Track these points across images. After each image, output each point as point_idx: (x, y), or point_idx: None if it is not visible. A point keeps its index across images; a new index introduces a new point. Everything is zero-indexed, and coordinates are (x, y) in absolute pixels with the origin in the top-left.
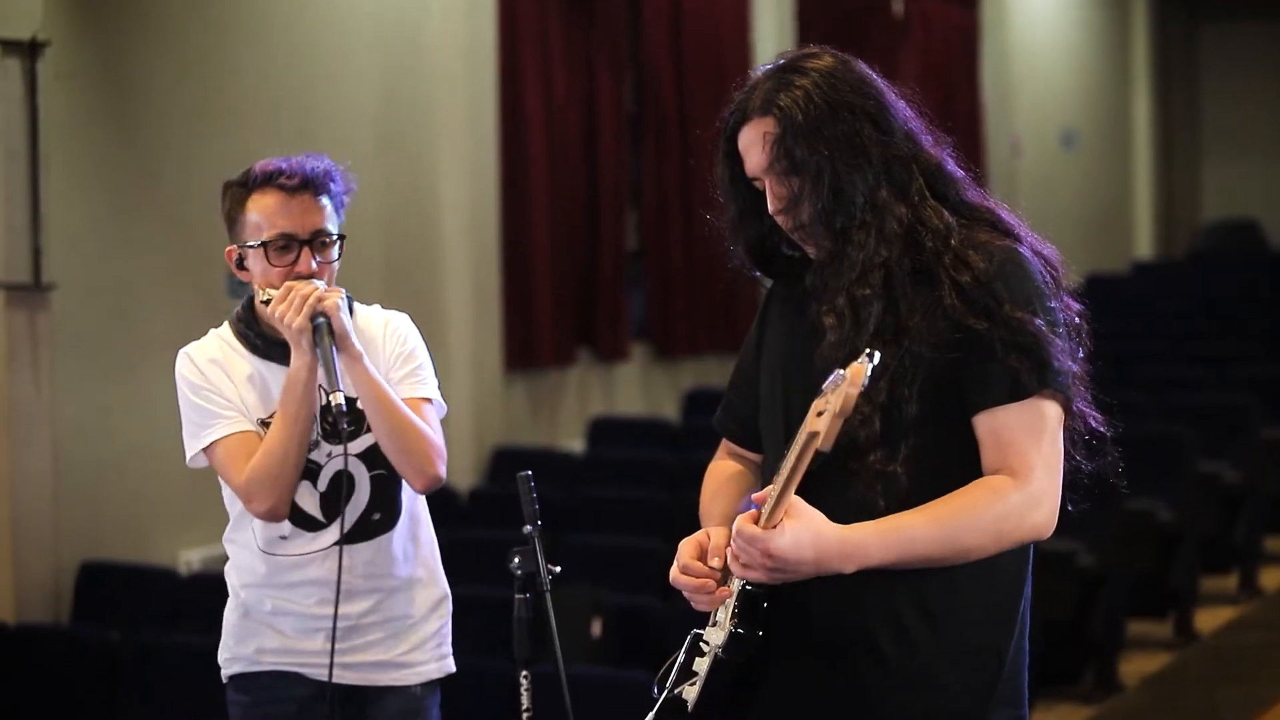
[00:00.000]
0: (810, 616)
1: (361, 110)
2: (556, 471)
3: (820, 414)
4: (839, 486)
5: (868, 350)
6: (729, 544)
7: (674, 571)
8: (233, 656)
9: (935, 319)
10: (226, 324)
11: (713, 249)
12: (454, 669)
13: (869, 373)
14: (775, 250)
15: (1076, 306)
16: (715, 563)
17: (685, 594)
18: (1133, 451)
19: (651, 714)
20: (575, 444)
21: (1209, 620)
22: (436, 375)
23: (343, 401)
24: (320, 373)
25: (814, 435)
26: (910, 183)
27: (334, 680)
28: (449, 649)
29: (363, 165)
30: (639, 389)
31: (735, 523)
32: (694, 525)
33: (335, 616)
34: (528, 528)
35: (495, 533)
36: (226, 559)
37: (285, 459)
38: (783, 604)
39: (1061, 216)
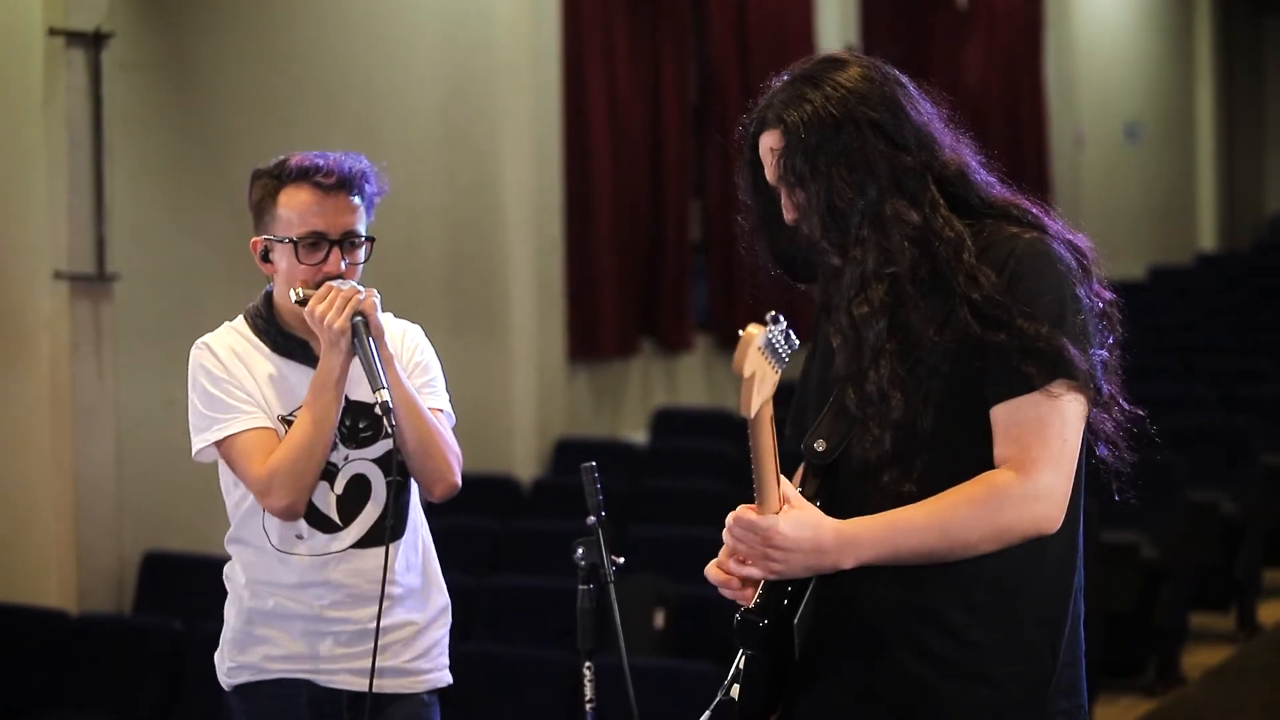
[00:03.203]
0: (857, 617)
1: (425, 101)
2: (620, 462)
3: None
4: (857, 507)
5: (772, 314)
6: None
7: (710, 565)
8: (238, 665)
9: (950, 333)
10: (241, 318)
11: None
12: (451, 680)
13: (767, 331)
14: (797, 256)
15: (1108, 295)
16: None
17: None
18: (1197, 443)
19: (708, 712)
20: (638, 435)
21: (1272, 613)
22: (448, 390)
23: (389, 399)
24: (353, 372)
25: (745, 380)
26: (923, 193)
27: (344, 687)
28: (448, 659)
29: (426, 156)
30: (702, 379)
31: (732, 515)
32: None
33: (379, 620)
34: (591, 519)
35: (558, 524)
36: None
37: (311, 456)
38: (826, 605)
39: (1125, 209)
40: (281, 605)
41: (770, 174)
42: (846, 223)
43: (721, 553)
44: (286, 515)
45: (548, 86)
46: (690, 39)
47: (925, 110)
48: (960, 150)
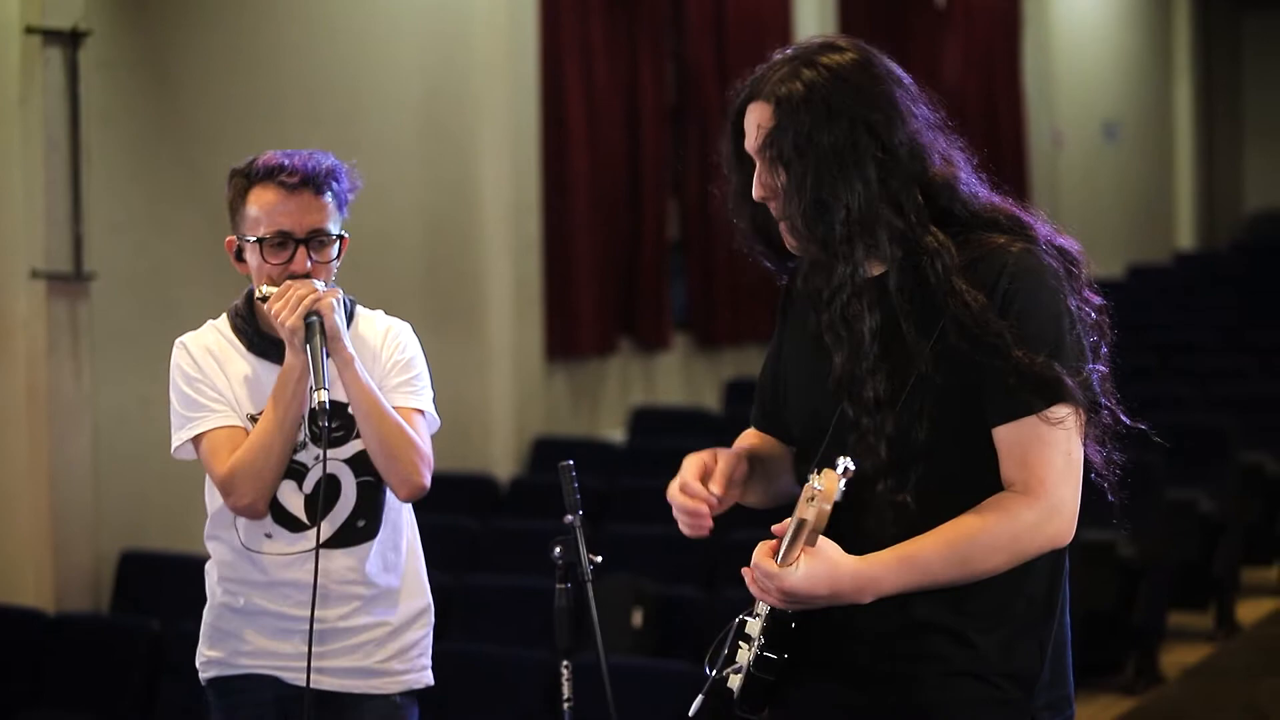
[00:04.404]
0: (851, 620)
1: (404, 100)
2: (597, 461)
3: (810, 500)
4: (852, 515)
5: (846, 461)
6: (731, 473)
7: (672, 487)
8: (208, 660)
9: (946, 351)
10: (224, 316)
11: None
12: (432, 681)
13: (842, 486)
14: (775, 229)
15: (1098, 301)
16: (715, 489)
17: (675, 512)
18: (1175, 442)
19: (701, 695)
20: (616, 433)
21: (1250, 611)
22: (434, 387)
23: (326, 400)
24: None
25: (803, 522)
26: (908, 202)
27: (312, 685)
28: (429, 660)
29: (405, 155)
30: (680, 378)
31: (754, 554)
32: (737, 518)
33: (311, 620)
34: (569, 517)
35: (536, 522)
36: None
37: (269, 455)
38: (821, 612)
39: (1104, 208)
40: (251, 603)
41: (751, 145)
42: (831, 217)
43: (689, 473)
44: (248, 514)
45: (525, 85)
46: (668, 37)
47: (921, 114)
48: (953, 159)
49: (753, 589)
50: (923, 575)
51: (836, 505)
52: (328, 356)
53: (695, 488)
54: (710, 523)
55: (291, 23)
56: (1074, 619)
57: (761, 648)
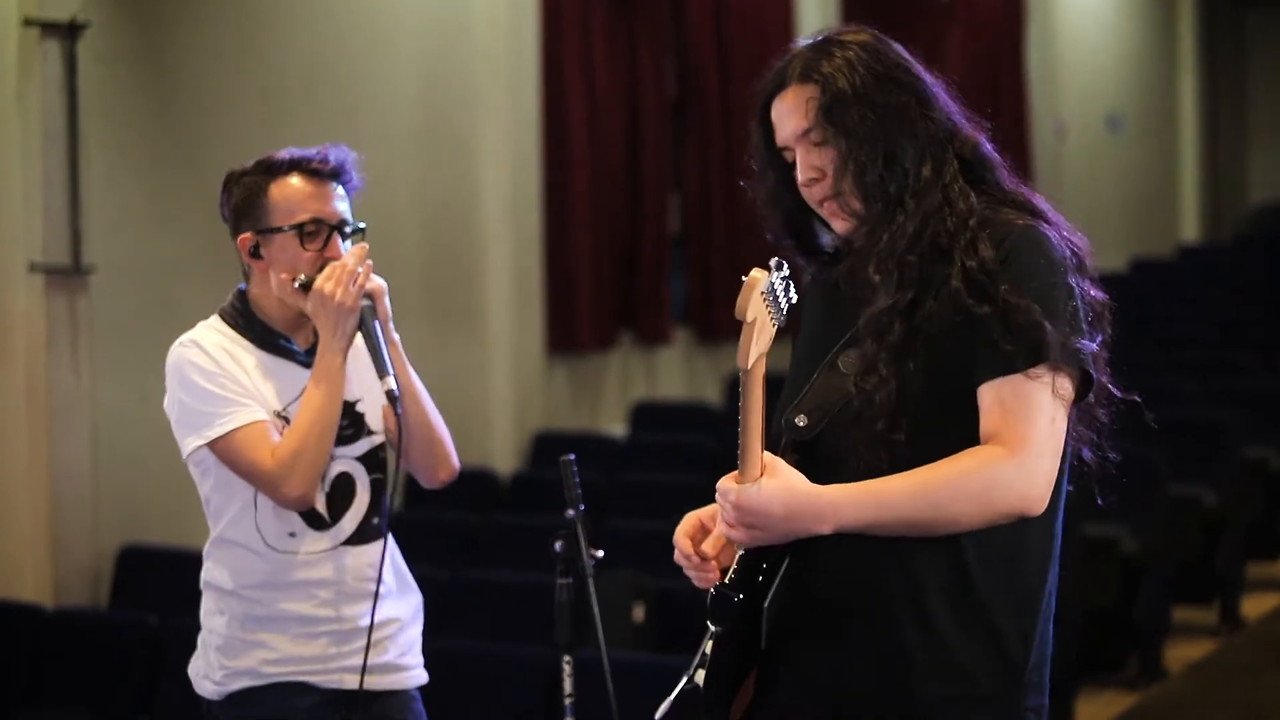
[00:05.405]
0: (828, 605)
1: (403, 94)
2: (598, 456)
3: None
4: (841, 457)
5: (775, 260)
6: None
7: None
8: (232, 672)
9: (944, 301)
10: (217, 317)
11: (756, 232)
12: (427, 678)
13: (771, 276)
14: (808, 225)
15: (1101, 297)
16: (707, 549)
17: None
18: (1178, 436)
19: (668, 700)
20: (617, 428)
21: (1254, 607)
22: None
23: (394, 387)
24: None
25: (747, 327)
26: (945, 163)
27: (340, 686)
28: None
29: (404, 149)
30: (681, 373)
31: (718, 484)
32: None
33: (373, 615)
34: (570, 512)
35: (537, 517)
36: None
37: (321, 443)
38: (798, 588)
39: (1107, 201)
40: (275, 608)
41: (793, 130)
42: (903, 173)
43: (681, 530)
44: (299, 505)
45: (526, 79)
46: (668, 31)
47: (940, 89)
48: (977, 132)
49: (721, 528)
50: (884, 509)
51: (813, 440)
52: (383, 340)
53: (684, 548)
54: (715, 573)
55: (291, 16)
56: (1077, 615)
57: (714, 589)
